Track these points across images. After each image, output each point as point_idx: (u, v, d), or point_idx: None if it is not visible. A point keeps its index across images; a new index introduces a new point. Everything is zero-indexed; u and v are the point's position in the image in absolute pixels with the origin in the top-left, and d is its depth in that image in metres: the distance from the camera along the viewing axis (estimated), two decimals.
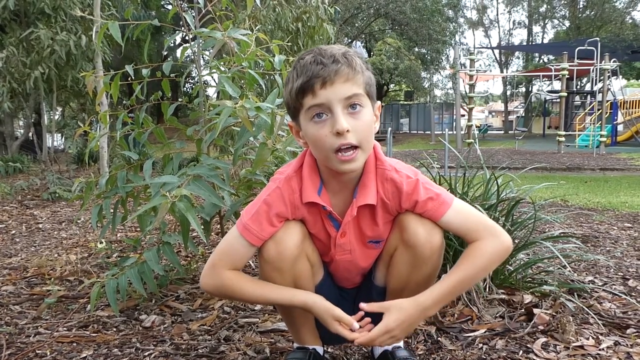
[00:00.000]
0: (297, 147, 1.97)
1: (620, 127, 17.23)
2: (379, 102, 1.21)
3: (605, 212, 4.16)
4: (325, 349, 1.45)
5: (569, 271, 2.21)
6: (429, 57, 18.24)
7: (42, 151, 7.70)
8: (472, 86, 15.31)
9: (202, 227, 2.02)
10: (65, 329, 1.78)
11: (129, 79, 2.17)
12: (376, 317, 1.36)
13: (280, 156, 2.00)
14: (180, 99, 2.32)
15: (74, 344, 1.64)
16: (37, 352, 1.58)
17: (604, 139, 12.92)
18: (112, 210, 2.12)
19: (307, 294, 1.24)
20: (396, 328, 1.14)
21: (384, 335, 1.14)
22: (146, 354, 1.56)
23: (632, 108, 17.16)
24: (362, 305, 1.17)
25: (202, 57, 2.47)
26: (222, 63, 2.13)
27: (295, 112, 1.16)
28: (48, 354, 1.56)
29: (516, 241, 2.04)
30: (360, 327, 1.17)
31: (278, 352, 1.55)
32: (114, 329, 1.77)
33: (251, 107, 1.73)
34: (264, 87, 2.48)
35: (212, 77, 2.37)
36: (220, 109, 1.76)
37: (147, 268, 1.87)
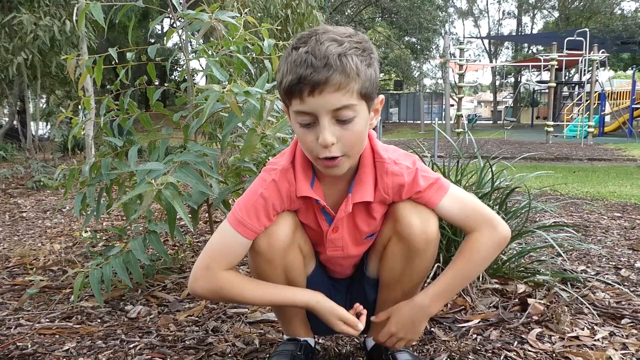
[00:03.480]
0: (286, 133, 1.92)
1: (607, 118, 17.36)
2: (381, 96, 1.10)
3: (594, 201, 4.16)
4: (316, 339, 1.41)
5: (562, 260, 2.19)
6: (418, 46, 18.17)
7: (26, 139, 7.57)
8: (461, 76, 15.30)
9: (190, 215, 1.97)
10: (47, 320, 1.72)
11: (113, 63, 2.10)
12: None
13: (270, 143, 1.94)
14: (166, 84, 2.26)
15: (57, 336, 1.59)
16: (18, 344, 1.52)
17: (591, 130, 12.99)
18: (96, 199, 2.06)
19: (309, 292, 1.20)
20: (399, 330, 1.20)
21: (390, 337, 1.22)
22: (131, 345, 1.51)
23: (620, 99, 17.28)
24: (373, 318, 1.26)
25: (190, 41, 2.40)
26: (210, 47, 2.07)
27: (285, 104, 1.08)
28: (29, 346, 1.51)
29: None
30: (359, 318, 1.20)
31: (268, 344, 1.51)
32: (98, 320, 1.72)
33: (240, 92, 1.67)
34: (252, 72, 2.41)
35: (200, 62, 2.30)
36: (208, 94, 1.70)
37: (132, 257, 1.82)
